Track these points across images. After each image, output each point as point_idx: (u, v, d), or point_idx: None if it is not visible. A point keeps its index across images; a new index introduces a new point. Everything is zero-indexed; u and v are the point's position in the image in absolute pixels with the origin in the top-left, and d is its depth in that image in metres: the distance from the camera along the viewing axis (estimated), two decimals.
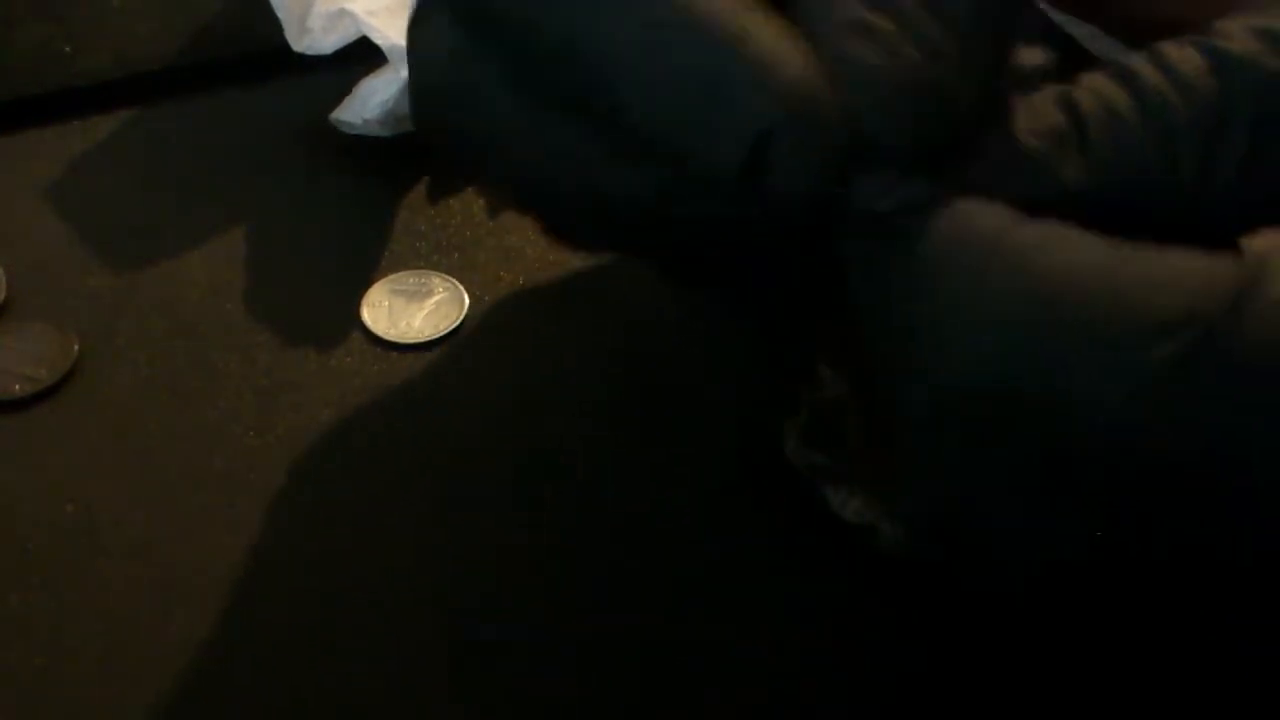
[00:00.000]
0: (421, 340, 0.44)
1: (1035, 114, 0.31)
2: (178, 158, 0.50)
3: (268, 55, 0.51)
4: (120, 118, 0.51)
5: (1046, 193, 0.31)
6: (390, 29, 0.47)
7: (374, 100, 0.48)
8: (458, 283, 0.46)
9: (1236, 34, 0.31)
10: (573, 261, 0.47)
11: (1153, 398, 0.28)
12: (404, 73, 0.47)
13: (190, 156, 0.50)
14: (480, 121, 0.33)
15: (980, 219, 0.30)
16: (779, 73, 0.30)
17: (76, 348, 0.43)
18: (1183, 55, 0.31)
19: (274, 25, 0.50)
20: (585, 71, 0.31)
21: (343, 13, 0.48)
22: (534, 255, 0.47)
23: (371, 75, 0.48)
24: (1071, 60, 0.33)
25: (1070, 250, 0.29)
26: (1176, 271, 0.28)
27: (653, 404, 0.42)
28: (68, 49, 0.52)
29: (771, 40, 0.30)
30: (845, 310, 0.32)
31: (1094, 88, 0.31)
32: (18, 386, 0.42)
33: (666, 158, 0.31)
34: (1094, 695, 0.35)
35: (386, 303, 0.45)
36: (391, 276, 0.46)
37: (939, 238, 0.30)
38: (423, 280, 0.46)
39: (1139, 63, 0.31)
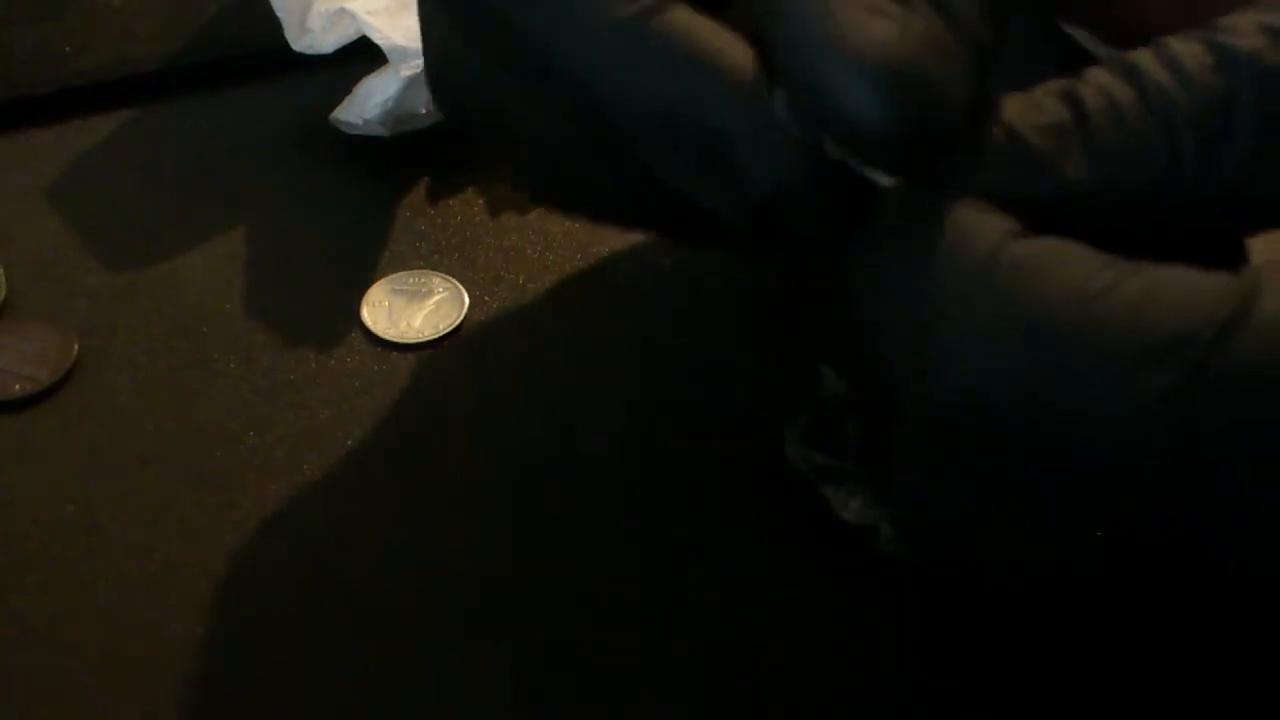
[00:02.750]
0: (421, 340, 0.44)
1: (1037, 108, 0.31)
2: (178, 158, 0.50)
3: (268, 55, 0.51)
4: (120, 118, 0.51)
5: (1048, 190, 0.30)
6: (390, 29, 0.47)
7: (374, 100, 0.48)
8: (458, 283, 0.46)
9: (1243, 29, 0.30)
10: (573, 262, 0.47)
11: (1153, 420, 0.27)
12: (404, 73, 0.47)
13: (190, 156, 0.50)
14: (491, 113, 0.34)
15: (977, 231, 0.30)
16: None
17: (76, 348, 0.43)
18: (1188, 50, 0.31)
19: (274, 25, 0.50)
20: (572, 90, 0.32)
21: (343, 13, 0.48)
22: (534, 255, 0.47)
23: (371, 75, 0.48)
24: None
25: (1065, 270, 0.29)
26: (1173, 291, 0.28)
27: (653, 404, 0.42)
28: (68, 49, 0.52)
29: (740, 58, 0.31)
30: (847, 311, 0.32)
31: (1097, 82, 0.31)
32: (18, 386, 0.42)
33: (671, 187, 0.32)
34: (1095, 695, 0.35)
35: (386, 303, 0.45)
36: (391, 276, 0.46)
37: (937, 249, 0.30)
38: (423, 280, 0.46)
39: (1143, 57, 0.31)
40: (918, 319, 0.30)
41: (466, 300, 0.45)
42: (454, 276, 0.46)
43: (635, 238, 0.47)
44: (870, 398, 0.36)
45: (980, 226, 0.30)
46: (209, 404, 0.42)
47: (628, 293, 0.46)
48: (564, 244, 0.47)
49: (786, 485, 0.40)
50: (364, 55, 0.48)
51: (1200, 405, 0.27)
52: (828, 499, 0.39)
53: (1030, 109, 0.31)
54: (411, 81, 0.47)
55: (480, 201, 0.49)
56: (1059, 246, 0.29)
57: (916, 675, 0.37)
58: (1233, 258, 0.32)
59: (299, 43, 0.49)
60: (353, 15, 0.48)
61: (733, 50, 0.31)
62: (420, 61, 0.47)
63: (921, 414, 0.30)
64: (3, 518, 0.40)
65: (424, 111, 0.48)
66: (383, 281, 0.46)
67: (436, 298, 0.45)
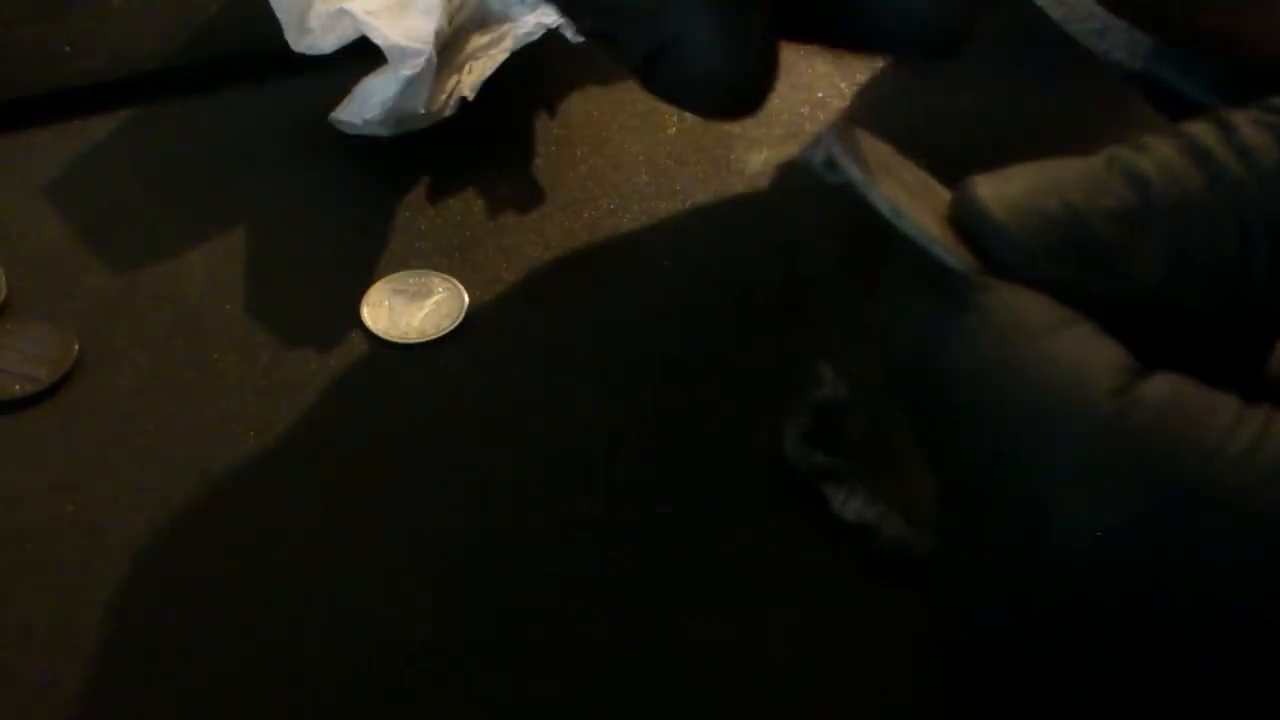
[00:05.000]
0: (422, 340, 0.44)
1: (1102, 188, 0.29)
2: (177, 158, 0.50)
3: (268, 55, 0.51)
4: (120, 118, 0.51)
5: (1112, 282, 0.29)
6: (390, 29, 0.47)
7: (374, 100, 0.48)
8: (458, 283, 0.46)
9: None
10: (572, 261, 0.47)
11: None
12: (404, 72, 0.47)
13: (190, 156, 0.50)
14: None
15: (1091, 368, 0.27)
16: None
17: (76, 348, 0.43)
18: (1257, 137, 0.29)
19: (274, 25, 0.50)
20: None
21: (343, 13, 0.48)
22: (534, 255, 0.47)
23: (371, 75, 0.48)
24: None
25: (1198, 433, 0.26)
26: None
27: (652, 404, 0.42)
28: (67, 49, 0.52)
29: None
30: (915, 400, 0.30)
31: (1162, 160, 0.29)
32: (18, 386, 0.42)
33: None
34: (1099, 691, 0.35)
35: (386, 303, 0.45)
36: (391, 276, 0.46)
37: (1043, 381, 0.27)
38: (423, 280, 0.46)
39: (1208, 137, 0.29)
40: (1016, 453, 0.28)
41: (466, 300, 0.45)
42: (454, 276, 0.46)
43: (635, 237, 0.47)
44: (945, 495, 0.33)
45: (1093, 359, 0.27)
46: (209, 404, 0.42)
47: (627, 292, 0.46)
48: (564, 244, 0.47)
49: (786, 485, 0.40)
50: (364, 55, 0.48)
51: None
52: (828, 499, 0.39)
53: (1095, 189, 0.29)
54: (411, 81, 0.47)
55: (480, 201, 0.49)
56: (1182, 399, 0.27)
57: (916, 673, 0.37)
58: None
59: (299, 43, 0.49)
60: (353, 15, 0.48)
61: None
62: (420, 61, 0.47)
63: (1011, 564, 0.29)
64: (3, 518, 0.40)
65: (424, 111, 0.48)
66: (383, 281, 0.46)
67: (436, 298, 0.45)
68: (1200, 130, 0.30)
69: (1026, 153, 0.32)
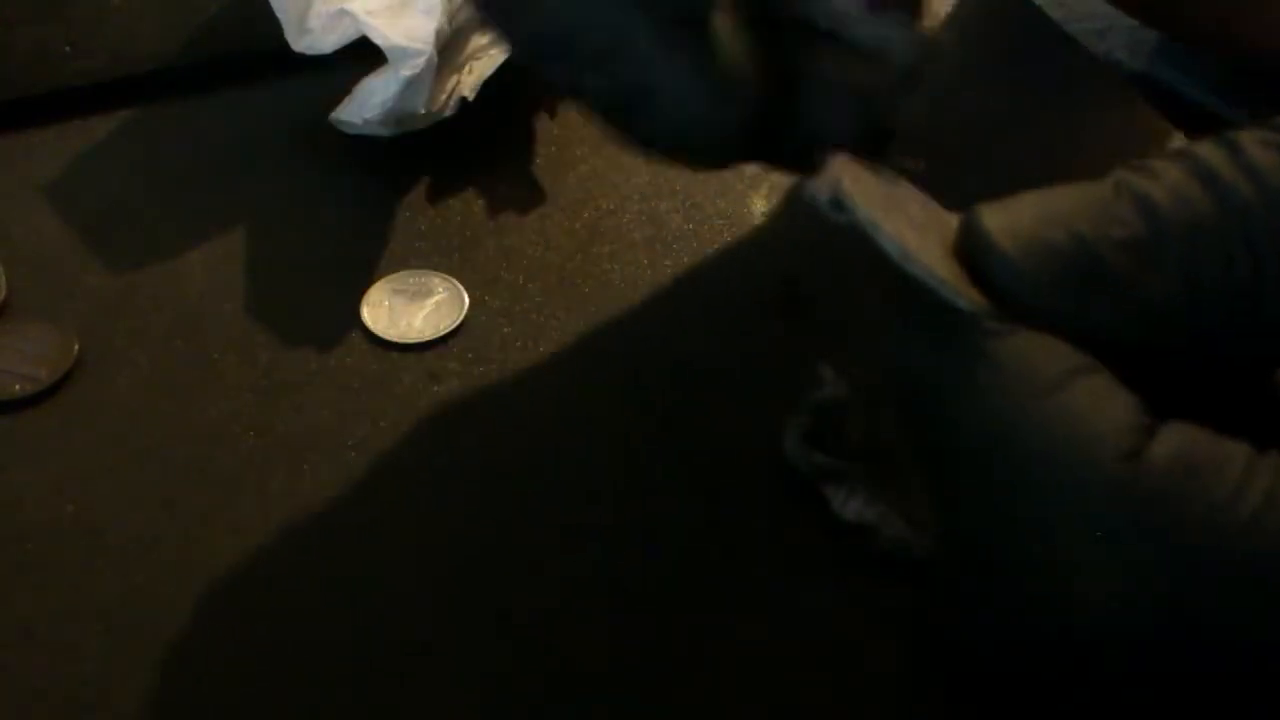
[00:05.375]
0: (421, 340, 0.44)
1: (1110, 216, 0.29)
2: (177, 157, 0.50)
3: (268, 55, 0.51)
4: (120, 117, 0.51)
5: (1123, 313, 0.29)
6: (390, 29, 0.47)
7: (374, 100, 0.48)
8: (458, 283, 0.46)
9: None
10: (573, 262, 0.47)
11: None
12: (404, 73, 0.47)
13: (190, 156, 0.50)
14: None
15: (1102, 427, 0.27)
16: None
17: (76, 348, 0.43)
18: (1265, 156, 0.29)
19: (274, 25, 0.50)
20: None
21: (343, 13, 0.48)
22: (534, 255, 0.47)
23: (371, 75, 0.48)
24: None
25: (1210, 489, 0.27)
26: None
27: (652, 404, 0.42)
28: (67, 49, 0.52)
29: None
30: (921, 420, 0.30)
31: (1172, 186, 0.29)
32: (18, 386, 0.42)
33: None
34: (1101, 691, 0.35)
35: (386, 303, 0.45)
36: (391, 276, 0.46)
37: (1055, 444, 0.27)
38: (423, 280, 0.46)
39: (1214, 157, 0.29)
40: (1028, 510, 0.28)
41: (466, 300, 0.45)
42: (454, 276, 0.46)
43: (634, 237, 0.47)
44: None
45: (1105, 416, 0.27)
46: (209, 404, 0.42)
47: (627, 293, 0.46)
48: (564, 244, 0.47)
49: (786, 485, 0.40)
50: (364, 55, 0.48)
51: None
52: (828, 499, 0.39)
53: (1104, 218, 0.29)
54: (411, 81, 0.47)
55: (480, 201, 0.49)
56: (1192, 457, 0.27)
57: (916, 673, 0.37)
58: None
59: (299, 43, 0.49)
60: (353, 15, 0.48)
61: None
62: (420, 61, 0.47)
63: (1015, 591, 0.29)
64: (3, 518, 0.40)
65: (424, 111, 0.48)
66: (383, 281, 0.46)
67: (436, 298, 0.45)
68: (1207, 151, 0.30)
69: (1025, 153, 0.31)
